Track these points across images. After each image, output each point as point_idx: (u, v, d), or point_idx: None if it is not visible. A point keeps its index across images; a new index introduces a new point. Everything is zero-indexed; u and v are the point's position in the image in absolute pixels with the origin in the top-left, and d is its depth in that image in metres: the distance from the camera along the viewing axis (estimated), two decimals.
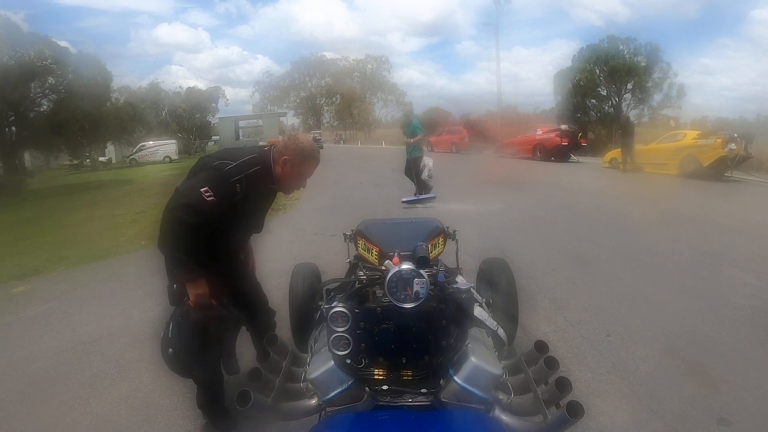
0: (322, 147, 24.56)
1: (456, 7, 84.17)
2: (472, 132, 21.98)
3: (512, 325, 2.59)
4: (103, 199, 13.29)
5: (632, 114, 25.55)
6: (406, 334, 1.31)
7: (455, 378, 1.34)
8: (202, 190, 1.81)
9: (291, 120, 55.33)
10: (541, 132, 17.74)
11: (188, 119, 44.70)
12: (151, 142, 34.35)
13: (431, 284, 1.37)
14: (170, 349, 1.95)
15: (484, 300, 1.88)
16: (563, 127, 18.05)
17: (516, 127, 20.37)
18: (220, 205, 1.83)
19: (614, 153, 14.44)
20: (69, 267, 5.96)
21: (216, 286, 1.95)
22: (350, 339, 1.30)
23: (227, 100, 52.82)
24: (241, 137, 22.77)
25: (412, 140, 8.78)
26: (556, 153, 16.64)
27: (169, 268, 1.98)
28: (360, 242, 2.38)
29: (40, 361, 3.27)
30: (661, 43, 29.08)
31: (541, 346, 1.53)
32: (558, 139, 16.69)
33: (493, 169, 16.18)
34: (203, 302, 1.89)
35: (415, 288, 1.30)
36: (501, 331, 1.60)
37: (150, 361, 3.12)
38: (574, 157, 17.04)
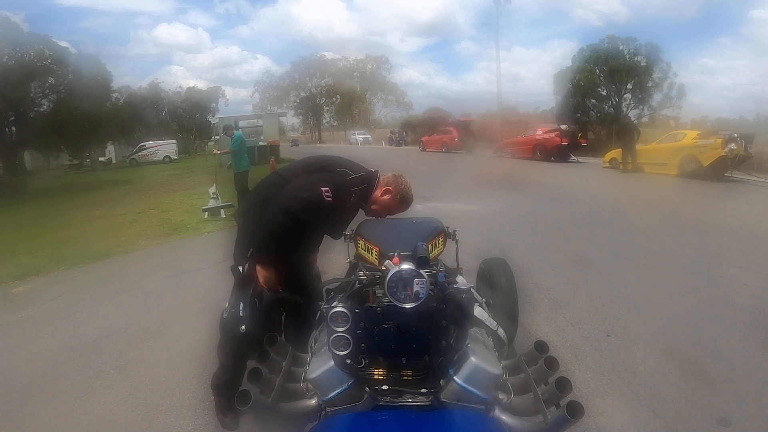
0: (298, 145, 24.88)
1: (456, 7, 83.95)
2: (463, 132, 22.15)
3: (512, 325, 2.59)
4: (103, 199, 13.29)
5: (632, 114, 25.54)
6: (406, 334, 1.31)
7: (455, 378, 1.33)
8: (323, 189, 1.91)
9: (291, 120, 55.39)
10: (540, 132, 17.73)
11: (188, 119, 44.67)
12: (151, 142, 34.32)
13: (431, 284, 1.36)
14: (242, 327, 1.98)
15: (484, 300, 1.88)
16: (563, 127, 18.05)
17: (515, 127, 20.42)
18: (331, 208, 1.94)
19: (614, 153, 14.44)
20: (69, 267, 5.96)
21: (282, 274, 2.05)
22: (350, 339, 1.30)
23: (227, 100, 52.70)
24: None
25: (219, 152, 9.86)
26: (556, 153, 16.63)
27: (244, 248, 2.08)
28: (360, 242, 2.38)
29: (40, 361, 3.28)
30: (660, 43, 29.01)
31: (541, 346, 1.53)
32: (558, 139, 16.68)
33: (487, 169, 16.23)
34: (271, 285, 2.00)
35: (415, 288, 1.30)
36: (501, 331, 1.60)
37: (150, 361, 3.13)
38: (573, 157, 17.03)
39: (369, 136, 40.28)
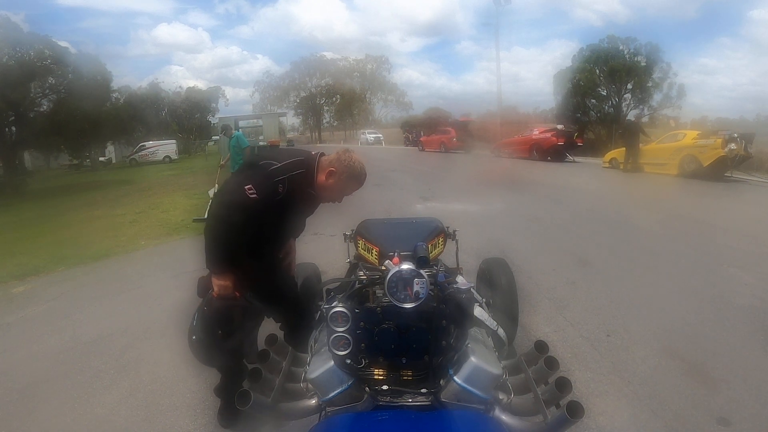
0: (294, 145, 24.85)
1: (456, 7, 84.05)
2: (461, 132, 22.29)
3: (512, 325, 2.59)
4: (103, 199, 13.29)
5: (632, 114, 25.56)
6: (406, 334, 1.31)
7: (455, 378, 1.34)
8: (246, 187, 1.86)
9: (291, 120, 55.35)
10: (537, 132, 17.79)
11: (188, 119, 44.63)
12: (151, 142, 34.30)
13: (431, 284, 1.37)
14: (193, 336, 2.01)
15: (484, 300, 1.88)
16: (559, 126, 18.13)
17: (515, 127, 20.48)
18: (262, 203, 1.88)
19: (614, 153, 14.44)
20: (69, 267, 5.96)
21: (244, 281, 2.02)
22: (350, 339, 1.30)
23: (227, 100, 52.73)
24: None
25: (224, 162, 9.32)
26: (553, 153, 16.69)
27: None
28: (360, 242, 2.38)
29: (40, 361, 3.27)
30: (660, 43, 29.03)
31: (541, 346, 1.53)
32: (554, 138, 16.73)
33: (485, 169, 16.25)
34: (226, 294, 1.96)
35: (415, 288, 1.30)
36: (501, 331, 1.60)
37: (150, 361, 3.13)
38: (570, 157, 17.07)
39: (381, 135, 38.01)
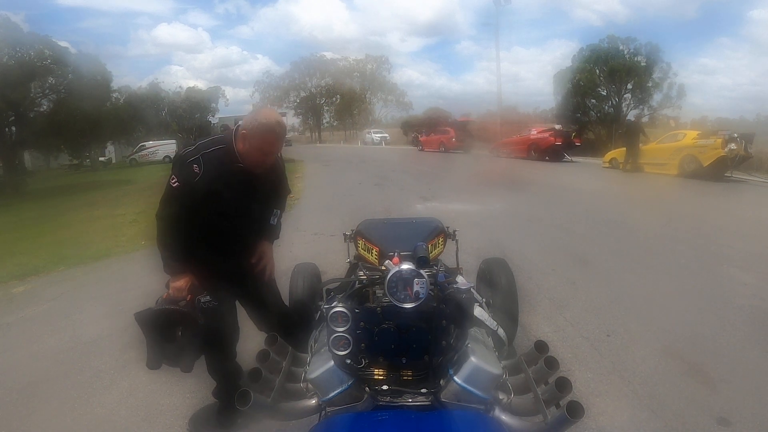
0: (291, 145, 24.77)
1: (456, 7, 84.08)
2: (460, 132, 22.37)
3: (512, 325, 2.59)
4: (103, 199, 13.29)
5: (632, 114, 25.54)
6: (406, 334, 1.31)
7: (455, 378, 1.34)
8: (171, 179, 1.90)
9: (291, 120, 55.26)
10: (535, 132, 17.88)
11: (188, 119, 44.59)
12: (151, 142, 34.30)
13: (431, 284, 1.37)
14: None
15: (484, 300, 1.88)
16: (557, 126, 18.29)
17: (515, 127, 20.55)
18: (186, 189, 1.88)
19: (614, 153, 14.44)
20: (69, 267, 5.96)
21: (206, 283, 2.01)
22: (350, 339, 1.30)
23: (227, 100, 52.75)
24: None
25: None
26: (551, 152, 16.78)
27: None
28: (360, 242, 2.38)
29: (40, 361, 3.27)
30: (660, 43, 28.98)
31: (541, 346, 1.53)
32: (552, 138, 16.83)
33: (484, 168, 16.28)
34: (177, 296, 1.95)
35: (415, 288, 1.30)
36: (501, 331, 1.60)
37: None
38: (567, 157, 17.14)
39: (387, 135, 36.73)
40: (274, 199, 2.24)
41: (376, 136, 36.39)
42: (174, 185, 1.90)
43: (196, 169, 1.88)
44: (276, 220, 2.25)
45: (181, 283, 1.95)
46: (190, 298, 1.96)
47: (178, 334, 1.92)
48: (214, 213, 1.99)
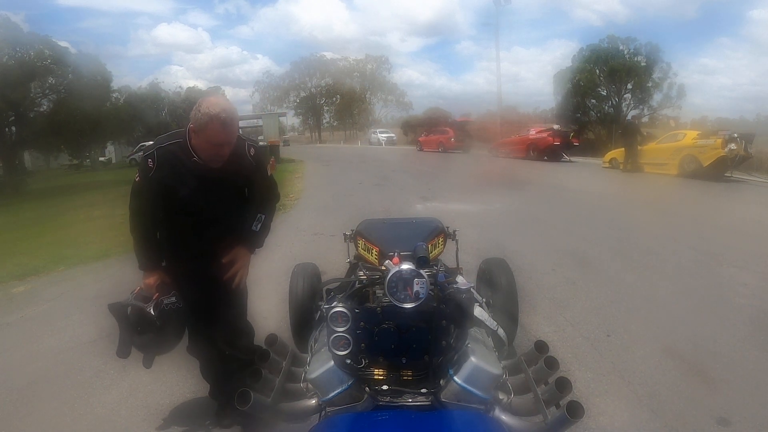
0: (288, 145, 24.71)
1: (456, 7, 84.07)
2: (459, 132, 22.47)
3: (512, 325, 2.59)
4: (103, 199, 13.27)
5: (632, 114, 25.55)
6: (406, 334, 1.31)
7: (455, 378, 1.33)
8: (136, 174, 1.95)
9: (291, 120, 55.30)
10: (534, 132, 17.96)
11: (188, 119, 44.47)
12: (150, 142, 34.25)
13: (431, 284, 1.36)
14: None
15: (484, 300, 1.88)
16: (555, 127, 18.44)
17: (515, 127, 20.64)
18: (145, 184, 1.91)
19: (614, 153, 14.45)
20: (69, 267, 5.96)
21: (177, 281, 2.01)
22: (350, 339, 1.30)
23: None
24: None
25: None
26: (549, 152, 16.86)
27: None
28: (360, 242, 2.38)
29: (40, 361, 3.27)
30: (660, 43, 29.04)
31: (541, 346, 1.53)
32: (550, 138, 16.94)
33: (482, 168, 16.32)
34: (146, 292, 1.97)
35: (415, 288, 1.30)
36: (501, 331, 1.60)
37: None
38: (566, 157, 17.19)
39: (394, 135, 35.05)
40: (244, 198, 2.10)
41: (383, 136, 35.01)
42: (136, 180, 1.94)
43: (150, 164, 1.88)
44: (259, 226, 2.08)
45: (151, 280, 1.97)
46: (156, 296, 1.94)
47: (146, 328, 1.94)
48: (173, 210, 1.96)
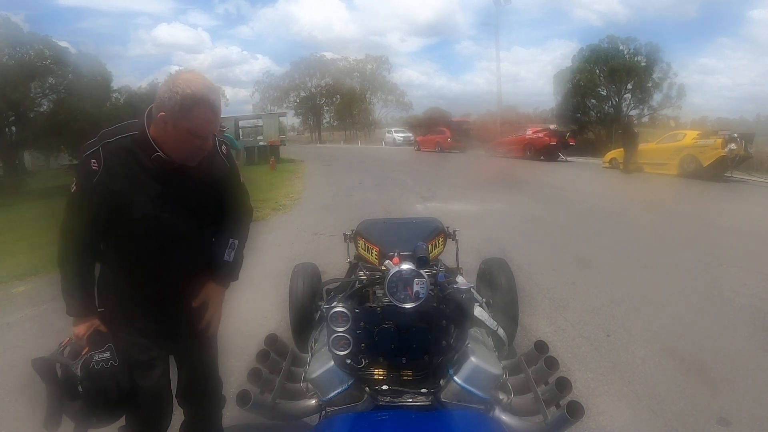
0: (285, 144, 24.61)
1: (455, 7, 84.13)
2: (455, 132, 22.60)
3: (512, 325, 2.59)
4: None
5: (632, 114, 25.59)
6: (406, 334, 1.31)
7: (455, 378, 1.34)
8: (72, 182, 1.46)
9: (291, 120, 55.25)
10: (530, 132, 18.09)
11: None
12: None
13: (431, 284, 1.37)
14: None
15: (484, 300, 1.88)
16: (552, 126, 18.62)
17: (513, 127, 20.74)
18: (85, 193, 1.41)
19: (614, 153, 14.44)
20: None
21: (119, 331, 1.53)
22: (350, 339, 1.30)
23: (227, 100, 52.50)
24: (241, 137, 22.88)
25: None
26: (545, 152, 16.96)
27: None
28: (360, 242, 2.38)
29: None
30: (660, 43, 29.10)
31: (541, 346, 1.53)
32: (546, 138, 17.04)
33: (479, 168, 16.37)
34: (77, 346, 1.54)
35: (415, 288, 1.30)
36: (501, 331, 1.60)
37: None
38: (562, 157, 17.27)
39: (411, 135, 31.46)
40: (217, 212, 1.60)
41: (399, 136, 32.03)
42: (73, 190, 1.45)
43: (94, 165, 1.37)
44: (233, 254, 1.62)
45: (81, 329, 1.52)
46: (86, 351, 1.50)
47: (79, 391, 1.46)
48: (124, 228, 1.46)
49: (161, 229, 1.46)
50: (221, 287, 1.64)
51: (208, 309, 1.60)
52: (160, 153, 1.39)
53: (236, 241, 1.64)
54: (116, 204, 1.41)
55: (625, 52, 26.67)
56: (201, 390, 1.71)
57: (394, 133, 33.52)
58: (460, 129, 23.17)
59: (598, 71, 26.58)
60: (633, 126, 14.14)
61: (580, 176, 13.01)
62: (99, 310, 1.58)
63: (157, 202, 1.44)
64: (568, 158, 17.32)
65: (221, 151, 1.57)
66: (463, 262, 2.67)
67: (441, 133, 23.21)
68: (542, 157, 16.83)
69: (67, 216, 1.50)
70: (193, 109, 1.33)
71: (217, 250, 1.61)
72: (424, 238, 2.19)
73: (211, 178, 1.53)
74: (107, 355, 1.48)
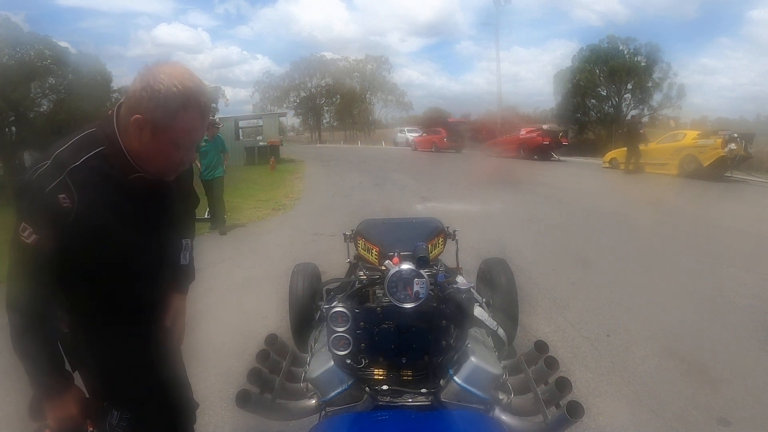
0: (282, 144, 24.53)
1: (455, 7, 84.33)
2: (451, 132, 22.76)
3: (512, 325, 2.59)
4: None
5: (632, 114, 25.60)
6: (406, 334, 1.31)
7: (455, 378, 1.34)
8: (20, 230, 1.05)
9: (291, 120, 55.29)
10: (524, 132, 18.25)
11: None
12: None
13: (431, 284, 1.37)
14: None
15: (484, 300, 1.88)
16: (545, 126, 18.88)
17: (513, 128, 20.88)
18: (49, 243, 1.05)
19: (614, 153, 14.45)
20: None
21: (105, 392, 1.28)
22: (350, 339, 1.30)
23: (227, 100, 52.56)
24: (241, 137, 22.89)
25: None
26: (539, 152, 17.11)
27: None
28: (360, 242, 2.38)
29: None
30: (660, 43, 29.17)
31: (541, 346, 1.53)
32: (540, 138, 17.19)
33: (475, 167, 16.45)
34: (71, 428, 1.20)
35: (415, 288, 1.30)
36: (501, 331, 1.60)
37: None
38: (555, 156, 17.36)
39: (424, 134, 29.82)
40: (181, 221, 1.40)
41: (411, 135, 29.94)
42: (30, 241, 1.04)
43: (66, 202, 1.04)
44: (188, 255, 1.45)
45: (69, 407, 1.19)
46: (90, 425, 1.23)
47: None
48: (103, 267, 1.16)
49: (148, 260, 1.24)
50: (183, 294, 1.49)
51: (176, 322, 1.45)
52: (141, 173, 1.13)
53: (188, 241, 1.45)
54: (94, 244, 1.10)
55: (625, 52, 26.71)
56: (176, 400, 1.52)
57: (406, 133, 31.85)
58: (456, 129, 23.37)
59: (598, 71, 26.63)
60: (638, 126, 14.15)
61: (581, 176, 13.02)
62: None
63: (138, 232, 1.19)
64: (564, 158, 17.43)
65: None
66: (463, 262, 2.67)
67: (437, 133, 23.34)
68: (536, 157, 17.00)
69: (22, 283, 1.08)
70: (180, 113, 1.07)
71: (172, 254, 1.38)
72: (424, 238, 2.19)
73: (185, 188, 1.38)
74: (115, 413, 1.25)
